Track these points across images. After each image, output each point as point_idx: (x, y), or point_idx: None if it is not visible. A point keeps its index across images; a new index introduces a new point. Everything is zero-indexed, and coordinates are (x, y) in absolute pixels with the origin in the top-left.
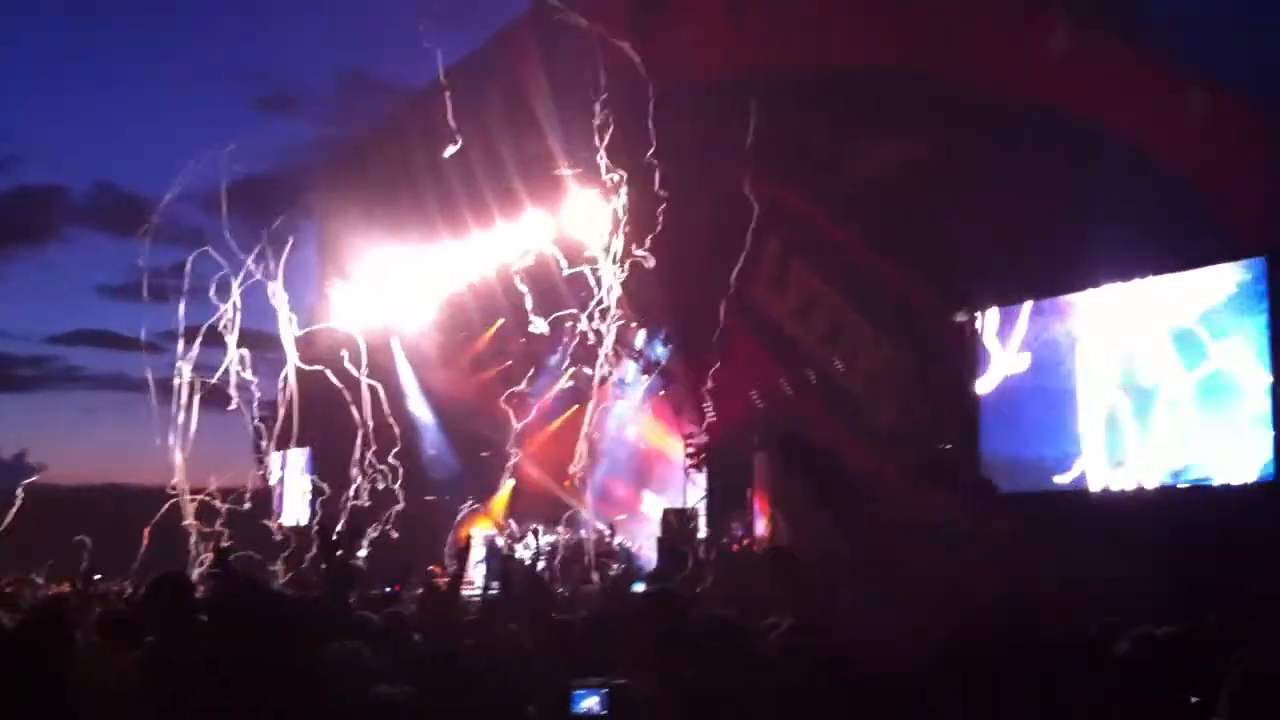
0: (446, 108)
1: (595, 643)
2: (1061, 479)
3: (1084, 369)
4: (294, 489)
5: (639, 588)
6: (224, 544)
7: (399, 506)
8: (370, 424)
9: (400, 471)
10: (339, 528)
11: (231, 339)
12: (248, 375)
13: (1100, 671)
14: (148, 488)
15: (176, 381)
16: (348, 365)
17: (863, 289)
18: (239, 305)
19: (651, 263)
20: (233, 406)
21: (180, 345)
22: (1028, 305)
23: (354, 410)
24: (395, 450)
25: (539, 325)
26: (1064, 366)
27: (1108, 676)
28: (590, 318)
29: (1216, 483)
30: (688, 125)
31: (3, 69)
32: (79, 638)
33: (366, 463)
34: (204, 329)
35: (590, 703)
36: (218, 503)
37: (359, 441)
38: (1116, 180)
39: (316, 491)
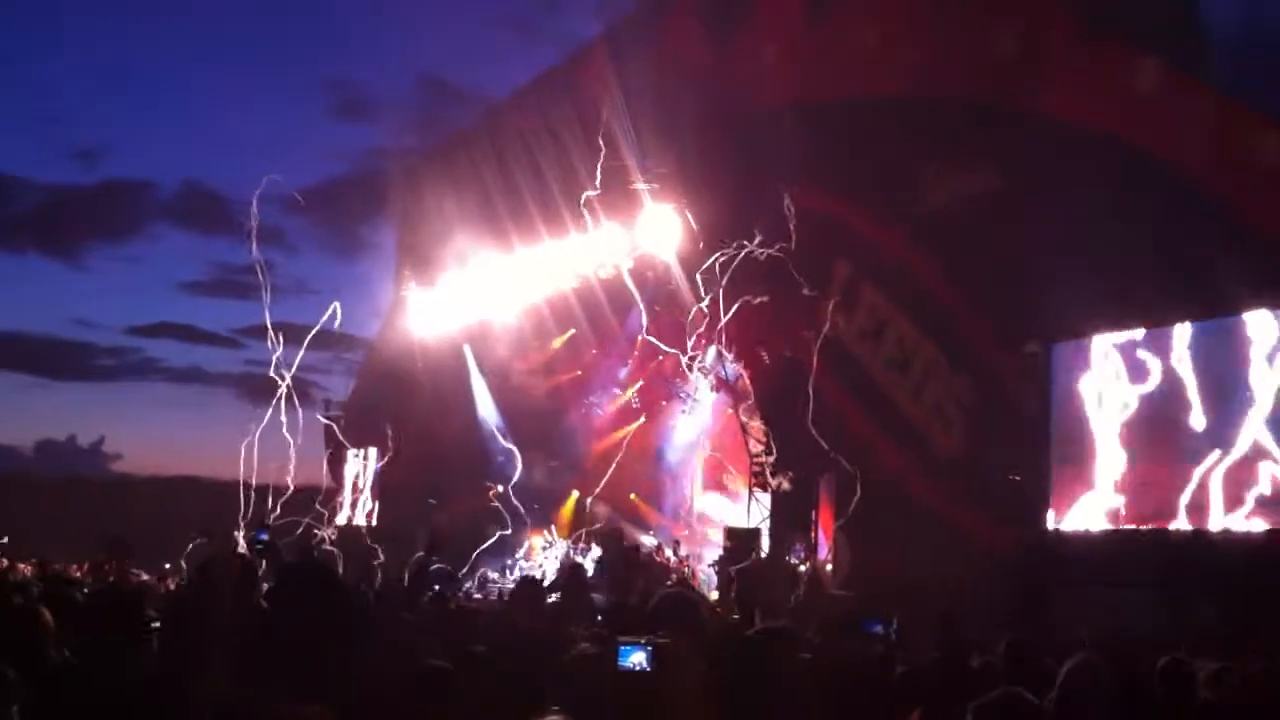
0: (523, 119)
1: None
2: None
3: (1162, 403)
4: (359, 489)
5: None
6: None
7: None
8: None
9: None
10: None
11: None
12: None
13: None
14: (220, 481)
15: (252, 378)
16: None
17: (932, 317)
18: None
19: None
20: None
21: (269, 343)
22: (1099, 338)
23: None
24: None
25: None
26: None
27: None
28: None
29: None
30: (762, 147)
31: (97, 61)
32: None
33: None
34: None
35: (637, 658)
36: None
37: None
38: (1184, 217)
39: (384, 493)
